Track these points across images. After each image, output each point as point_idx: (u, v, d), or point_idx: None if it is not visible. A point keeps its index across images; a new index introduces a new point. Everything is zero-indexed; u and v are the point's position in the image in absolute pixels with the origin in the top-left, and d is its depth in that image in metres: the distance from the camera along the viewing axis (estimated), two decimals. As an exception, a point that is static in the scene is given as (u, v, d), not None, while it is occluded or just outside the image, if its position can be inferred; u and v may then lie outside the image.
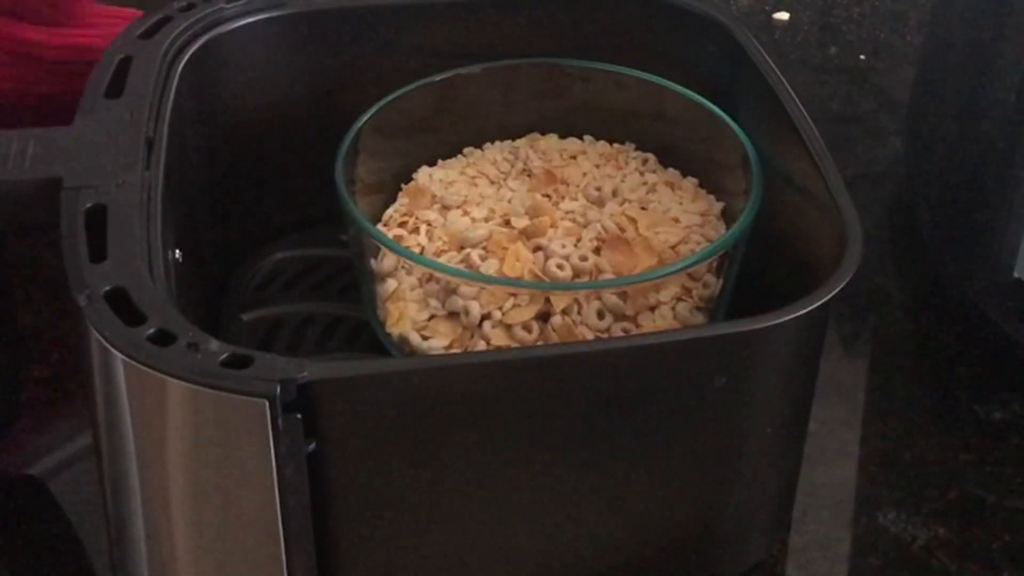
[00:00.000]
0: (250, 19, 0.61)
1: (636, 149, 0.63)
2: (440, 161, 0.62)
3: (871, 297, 0.69)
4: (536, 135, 0.63)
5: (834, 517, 0.57)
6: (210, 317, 0.60)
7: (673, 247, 0.56)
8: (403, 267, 0.55)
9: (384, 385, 0.44)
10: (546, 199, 0.58)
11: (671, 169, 0.62)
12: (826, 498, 0.58)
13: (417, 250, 0.57)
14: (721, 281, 0.55)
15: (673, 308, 0.54)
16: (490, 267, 0.54)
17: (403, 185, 0.61)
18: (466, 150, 0.63)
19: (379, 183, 0.60)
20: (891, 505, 0.57)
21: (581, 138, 0.63)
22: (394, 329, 0.55)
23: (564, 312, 0.53)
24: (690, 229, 0.57)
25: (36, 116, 0.57)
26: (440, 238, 0.57)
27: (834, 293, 0.47)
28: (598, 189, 0.59)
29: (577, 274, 0.54)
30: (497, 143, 0.63)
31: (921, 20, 0.91)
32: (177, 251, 0.51)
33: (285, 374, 0.43)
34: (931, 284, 0.69)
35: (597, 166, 0.61)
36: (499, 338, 0.53)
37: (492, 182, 0.60)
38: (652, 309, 0.54)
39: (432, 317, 0.54)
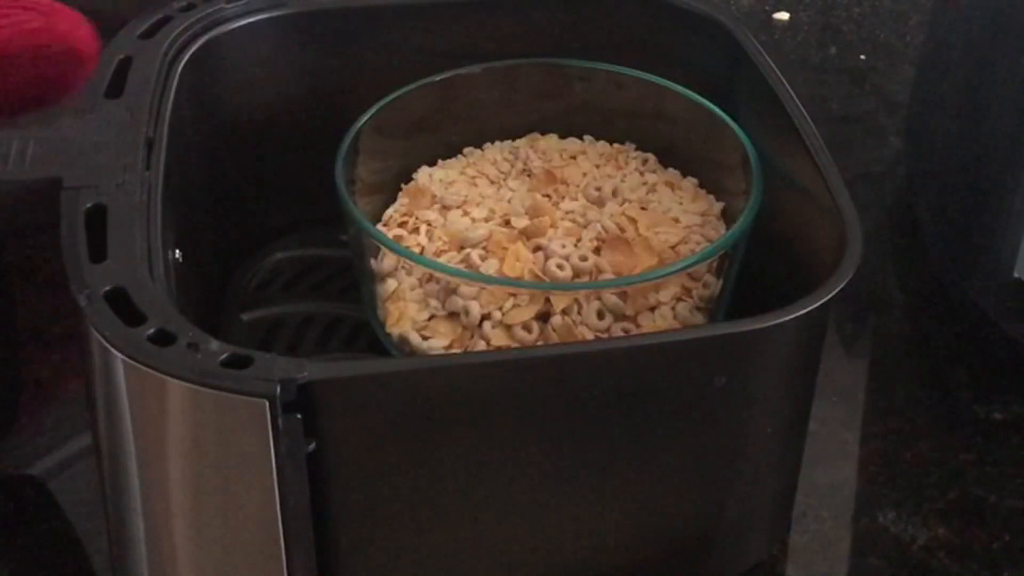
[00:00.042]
0: (250, 19, 0.61)
1: (636, 149, 0.63)
2: (440, 161, 0.62)
3: (871, 297, 0.69)
4: (536, 135, 0.63)
5: (834, 517, 0.57)
6: (210, 317, 0.60)
7: (673, 247, 0.56)
8: (403, 267, 0.55)
9: (384, 385, 0.44)
10: (546, 199, 0.58)
11: (671, 169, 0.62)
12: (826, 498, 0.58)
13: (417, 250, 0.57)
14: (721, 281, 0.55)
15: (673, 308, 0.54)
16: (490, 267, 0.54)
17: (403, 185, 0.61)
18: (466, 150, 0.63)
19: (379, 183, 0.60)
20: (891, 505, 0.57)
21: (581, 138, 0.63)
22: (394, 329, 0.55)
23: (564, 312, 0.52)
24: (690, 229, 0.57)
25: None
26: (440, 238, 0.57)
27: (834, 293, 0.47)
28: (598, 189, 0.59)
29: (577, 274, 0.54)
30: (497, 143, 0.63)
31: (921, 20, 0.91)
32: (177, 251, 0.51)
33: (285, 374, 0.43)
34: (931, 284, 0.69)
35: (597, 166, 0.61)
36: (499, 338, 0.53)
37: (492, 182, 0.60)
38: (652, 309, 0.54)
39: (432, 317, 0.54)
